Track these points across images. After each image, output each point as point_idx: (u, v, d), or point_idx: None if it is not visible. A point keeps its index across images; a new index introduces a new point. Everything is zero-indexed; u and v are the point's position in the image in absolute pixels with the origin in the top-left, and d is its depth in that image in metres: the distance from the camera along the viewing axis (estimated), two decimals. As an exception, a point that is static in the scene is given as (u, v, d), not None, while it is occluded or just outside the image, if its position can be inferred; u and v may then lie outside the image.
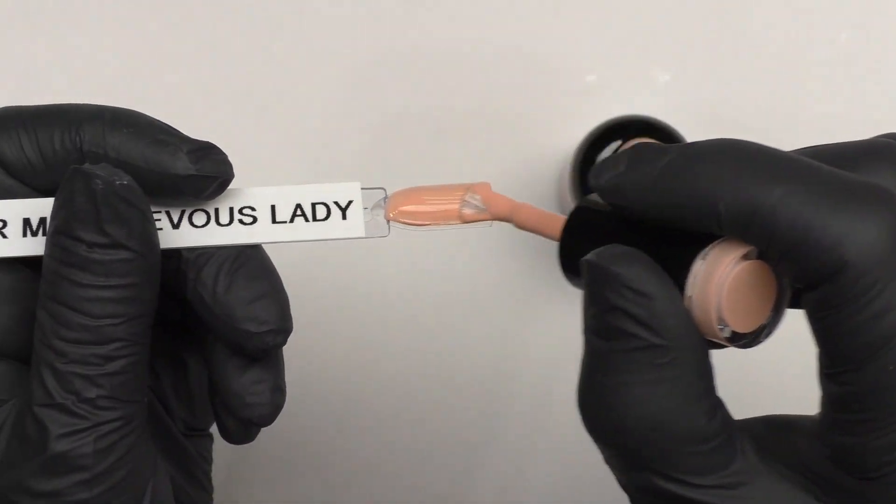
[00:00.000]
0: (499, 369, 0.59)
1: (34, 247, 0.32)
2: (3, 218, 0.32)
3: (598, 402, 0.28)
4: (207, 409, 0.36)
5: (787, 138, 0.61)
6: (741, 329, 0.28)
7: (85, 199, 0.30)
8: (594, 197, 0.31)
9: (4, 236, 0.32)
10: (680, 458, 0.27)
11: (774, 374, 0.53)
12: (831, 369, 0.26)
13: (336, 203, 0.34)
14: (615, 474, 0.29)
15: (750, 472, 0.27)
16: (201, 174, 0.32)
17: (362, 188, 0.34)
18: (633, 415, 0.27)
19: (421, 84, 0.60)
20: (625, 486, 0.29)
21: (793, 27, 0.61)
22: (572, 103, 0.60)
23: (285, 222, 0.34)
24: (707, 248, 0.27)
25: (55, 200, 0.31)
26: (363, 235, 0.34)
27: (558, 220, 0.32)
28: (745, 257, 0.27)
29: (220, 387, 0.34)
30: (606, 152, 0.54)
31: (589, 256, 0.28)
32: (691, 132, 0.55)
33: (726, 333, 0.27)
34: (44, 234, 0.32)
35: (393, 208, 0.34)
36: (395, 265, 0.59)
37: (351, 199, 0.34)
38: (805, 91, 0.61)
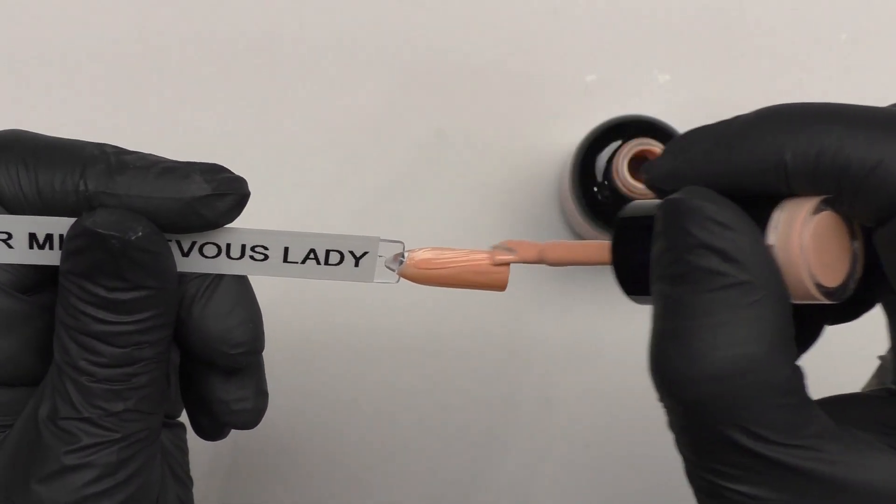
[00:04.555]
0: (503, 370, 0.59)
1: (42, 258, 0.32)
2: (8, 231, 0.31)
3: (681, 350, 0.26)
4: (180, 397, 0.37)
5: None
6: (827, 283, 0.27)
7: (102, 255, 0.30)
8: (631, 207, 0.31)
9: (10, 247, 0.31)
10: (765, 410, 0.25)
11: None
12: None
13: (351, 252, 0.33)
14: (681, 438, 0.27)
15: (830, 433, 0.26)
16: (218, 192, 0.31)
17: (381, 240, 0.33)
18: (721, 358, 0.25)
19: (421, 84, 0.60)
20: (693, 448, 0.27)
21: (793, 27, 0.61)
22: (572, 103, 0.60)
23: (296, 262, 0.33)
24: (781, 203, 0.27)
25: (67, 243, 0.30)
26: (371, 281, 0.34)
27: (598, 246, 0.31)
28: (818, 210, 0.27)
29: (205, 393, 0.34)
30: (606, 152, 0.54)
31: (672, 196, 0.27)
32: (691, 132, 0.55)
33: (813, 283, 0.27)
34: (50, 248, 0.31)
35: (409, 274, 0.33)
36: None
37: (366, 251, 0.33)
38: (805, 91, 0.60)
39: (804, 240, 0.26)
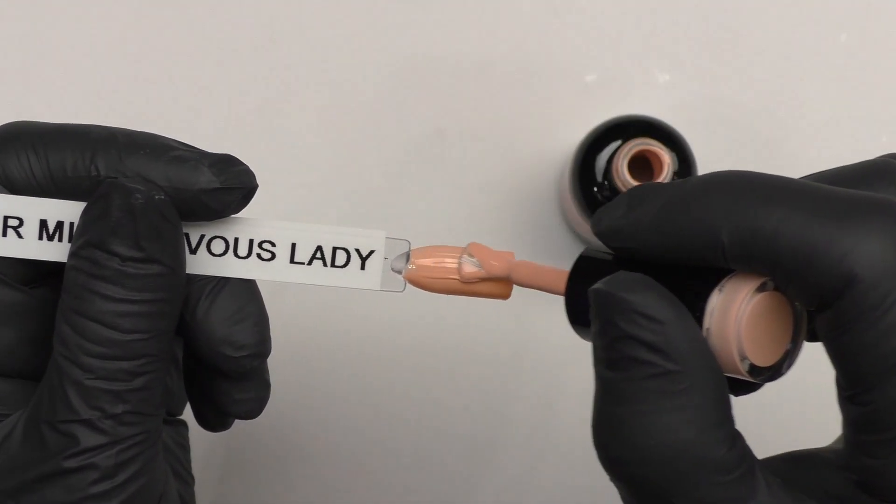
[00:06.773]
0: (504, 370, 0.59)
1: (50, 251, 0.31)
2: (19, 216, 0.31)
3: (615, 434, 0.27)
4: (183, 394, 0.37)
5: (786, 138, 0.61)
6: (761, 363, 0.27)
7: (123, 214, 0.30)
8: (596, 247, 0.31)
9: (20, 235, 0.31)
10: (701, 489, 0.26)
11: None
12: (850, 391, 0.25)
13: (357, 251, 0.33)
14: None
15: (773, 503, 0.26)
16: (226, 186, 0.31)
17: (387, 237, 0.33)
18: (651, 445, 0.26)
19: (421, 83, 0.60)
20: None
21: (792, 27, 0.61)
22: (572, 103, 0.60)
23: (303, 263, 0.33)
24: (722, 282, 0.27)
25: (85, 213, 0.30)
26: (378, 289, 0.34)
27: (559, 274, 0.32)
28: (761, 289, 0.27)
29: (208, 384, 0.34)
30: (606, 152, 0.54)
31: (597, 285, 0.27)
32: (691, 132, 0.55)
33: (746, 367, 0.27)
34: (60, 241, 0.31)
35: (412, 274, 0.34)
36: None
37: (373, 250, 0.33)
38: (805, 91, 0.61)
39: (740, 324, 0.26)
